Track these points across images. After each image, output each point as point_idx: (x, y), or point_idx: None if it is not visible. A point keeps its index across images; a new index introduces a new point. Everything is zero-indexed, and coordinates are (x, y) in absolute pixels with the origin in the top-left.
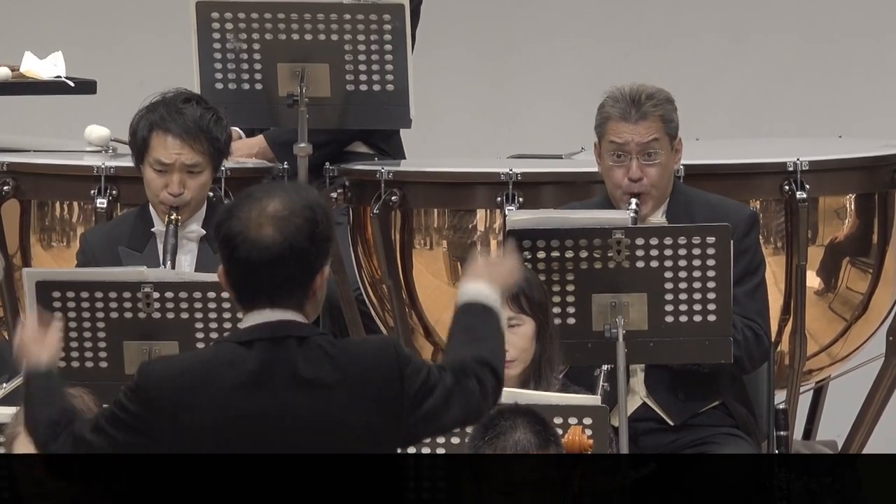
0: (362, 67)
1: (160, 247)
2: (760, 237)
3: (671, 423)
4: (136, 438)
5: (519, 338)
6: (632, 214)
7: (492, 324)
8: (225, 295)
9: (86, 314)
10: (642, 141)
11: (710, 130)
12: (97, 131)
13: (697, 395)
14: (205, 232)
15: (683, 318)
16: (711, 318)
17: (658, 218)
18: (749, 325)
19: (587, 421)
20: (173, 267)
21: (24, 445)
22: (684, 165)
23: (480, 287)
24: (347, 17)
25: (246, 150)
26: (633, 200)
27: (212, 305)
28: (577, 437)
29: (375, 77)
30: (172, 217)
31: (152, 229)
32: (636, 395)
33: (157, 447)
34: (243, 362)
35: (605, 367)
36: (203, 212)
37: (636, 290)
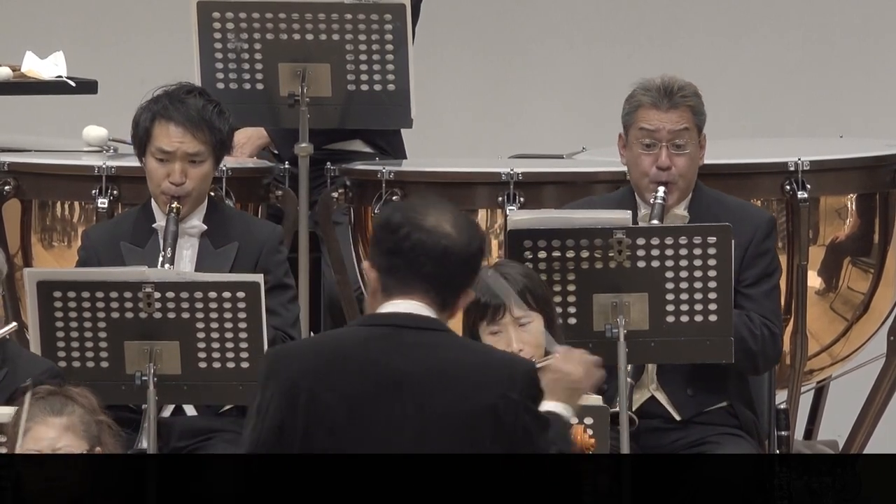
0: (363, 67)
1: (162, 243)
2: None
3: (678, 417)
4: (276, 426)
5: (532, 335)
6: (659, 202)
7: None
8: (225, 295)
9: (86, 314)
10: (673, 129)
11: (712, 130)
12: (95, 132)
13: (706, 394)
14: (206, 227)
15: (684, 318)
16: (712, 318)
17: (680, 210)
18: (766, 323)
19: (588, 421)
20: (173, 255)
21: (29, 443)
22: None
23: (554, 406)
24: (348, 16)
25: (243, 134)
26: (661, 188)
27: (212, 305)
28: (578, 436)
29: (376, 77)
30: (173, 206)
31: (154, 225)
32: (645, 388)
33: (294, 429)
34: (372, 340)
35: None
36: (204, 207)
37: (637, 290)
